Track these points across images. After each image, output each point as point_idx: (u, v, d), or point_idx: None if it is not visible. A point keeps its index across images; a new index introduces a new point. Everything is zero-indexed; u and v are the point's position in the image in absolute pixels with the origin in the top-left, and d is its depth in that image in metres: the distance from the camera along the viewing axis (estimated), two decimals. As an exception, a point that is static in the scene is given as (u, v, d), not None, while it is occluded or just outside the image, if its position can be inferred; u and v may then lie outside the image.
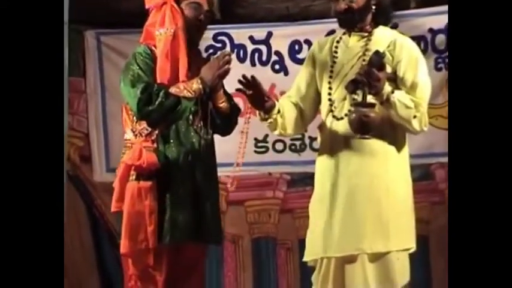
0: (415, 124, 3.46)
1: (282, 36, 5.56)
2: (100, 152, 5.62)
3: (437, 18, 5.31)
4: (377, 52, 3.38)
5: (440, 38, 5.31)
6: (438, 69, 5.30)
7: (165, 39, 3.47)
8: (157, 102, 3.36)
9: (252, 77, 3.52)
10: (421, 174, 5.19)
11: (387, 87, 3.39)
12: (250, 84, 3.52)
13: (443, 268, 4.89)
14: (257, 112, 3.63)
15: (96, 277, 5.60)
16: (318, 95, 3.69)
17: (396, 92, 3.42)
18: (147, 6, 3.59)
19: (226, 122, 3.68)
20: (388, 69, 3.48)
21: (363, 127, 3.38)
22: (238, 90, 3.52)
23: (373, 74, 3.33)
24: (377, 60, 3.35)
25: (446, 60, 5.25)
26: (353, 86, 3.39)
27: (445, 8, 5.22)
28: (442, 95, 5.24)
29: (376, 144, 3.48)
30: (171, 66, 3.47)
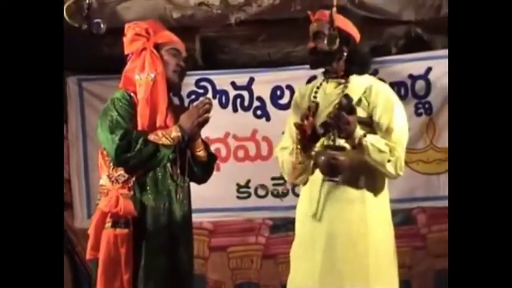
0: (390, 168, 3.48)
1: (264, 81, 5.58)
2: (81, 199, 5.61)
3: (417, 64, 5.39)
4: (346, 96, 3.44)
5: (420, 84, 5.38)
6: (418, 115, 5.36)
7: (145, 84, 3.49)
8: (136, 150, 3.37)
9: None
10: (402, 219, 5.20)
11: (359, 131, 3.43)
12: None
13: (426, 313, 5.00)
14: (298, 152, 3.58)
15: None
16: None
17: (369, 136, 3.45)
18: (126, 52, 3.61)
19: (203, 170, 3.69)
20: (363, 114, 3.52)
21: (331, 170, 3.41)
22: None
23: (342, 117, 3.37)
24: (346, 104, 3.40)
25: (426, 105, 5.33)
26: (323, 129, 3.45)
27: (425, 54, 5.35)
28: (422, 140, 5.32)
29: (352, 190, 3.52)
30: (150, 112, 3.49)
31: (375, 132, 3.52)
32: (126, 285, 3.40)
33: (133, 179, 3.49)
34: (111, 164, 3.51)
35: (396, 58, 5.48)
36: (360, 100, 3.56)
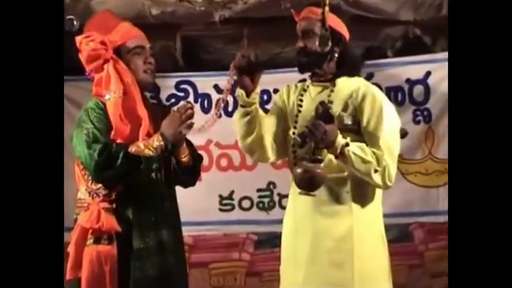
0: (377, 179, 3.41)
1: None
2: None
3: (416, 68, 5.36)
4: (322, 103, 3.37)
5: (419, 89, 5.35)
6: (416, 122, 5.33)
7: (114, 102, 3.45)
8: (117, 165, 3.33)
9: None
10: (398, 235, 5.22)
11: (340, 140, 3.35)
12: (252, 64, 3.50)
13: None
14: (238, 93, 3.57)
15: None
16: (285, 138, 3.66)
17: (352, 144, 3.37)
18: (87, 72, 3.56)
19: (189, 174, 3.65)
20: (350, 121, 3.46)
21: (305, 183, 3.36)
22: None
23: (318, 126, 3.30)
24: (323, 111, 3.34)
25: (425, 112, 5.32)
26: (301, 140, 3.37)
27: (424, 57, 5.35)
28: (421, 150, 5.30)
29: (338, 202, 3.47)
30: (129, 125, 3.45)
31: (364, 140, 3.45)
32: None
33: (115, 192, 3.44)
34: (89, 177, 3.47)
35: (393, 61, 5.48)
36: (346, 105, 3.50)
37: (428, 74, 5.31)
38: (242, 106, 3.56)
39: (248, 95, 3.53)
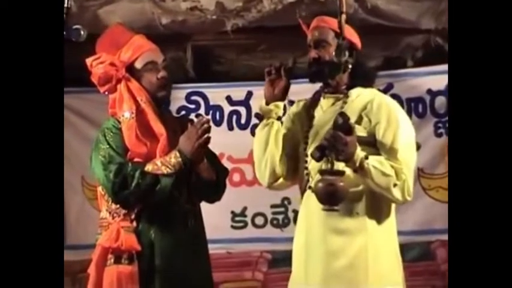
0: (396, 193, 3.42)
1: (263, 96, 5.56)
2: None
3: (437, 79, 5.36)
4: (342, 114, 3.36)
5: (440, 100, 5.36)
6: (438, 135, 5.32)
7: (127, 123, 3.52)
8: (133, 185, 3.38)
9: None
10: (419, 254, 5.20)
11: (360, 153, 3.36)
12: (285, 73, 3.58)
13: None
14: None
15: None
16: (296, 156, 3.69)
17: (371, 157, 3.39)
18: (102, 91, 3.62)
19: (213, 190, 3.68)
20: (365, 133, 3.47)
21: (329, 197, 3.36)
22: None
23: (338, 138, 3.31)
24: (342, 123, 3.34)
25: (447, 125, 5.23)
26: (319, 153, 3.37)
27: (446, 67, 5.34)
28: (443, 164, 5.24)
29: (353, 218, 3.48)
30: (147, 143, 3.51)
31: (379, 153, 3.47)
32: None
33: (135, 210, 3.50)
34: (109, 199, 3.53)
35: (413, 71, 5.50)
36: (360, 117, 3.51)
37: (450, 84, 5.35)
38: (262, 117, 3.65)
39: (268, 103, 3.61)
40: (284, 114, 3.71)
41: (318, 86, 3.80)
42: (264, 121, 3.63)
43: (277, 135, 3.64)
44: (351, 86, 3.59)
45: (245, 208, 5.51)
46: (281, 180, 3.71)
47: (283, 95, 3.64)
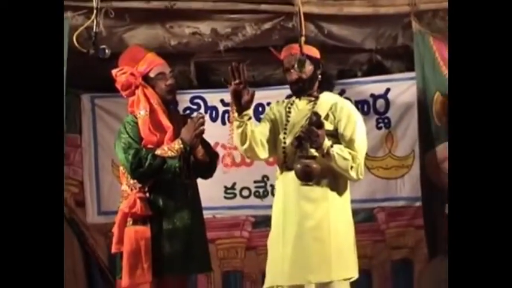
0: (353, 173, 3.50)
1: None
2: (92, 198, 5.51)
3: (378, 86, 5.34)
4: (315, 113, 3.45)
5: (381, 102, 5.31)
6: (379, 128, 5.30)
7: (143, 119, 3.58)
8: (146, 165, 3.45)
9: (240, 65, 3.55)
10: (365, 217, 5.18)
11: (327, 142, 3.43)
12: (238, 72, 3.50)
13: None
14: (232, 115, 3.60)
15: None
16: (275, 141, 3.69)
17: (335, 146, 3.46)
18: (124, 95, 3.68)
19: (207, 169, 3.74)
20: (330, 127, 3.53)
21: (305, 176, 3.43)
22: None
23: (313, 132, 3.39)
24: (315, 120, 3.41)
25: (386, 120, 5.28)
26: (297, 142, 3.48)
27: (385, 77, 5.34)
28: (382, 150, 5.28)
29: (319, 190, 3.51)
30: (157, 134, 3.57)
31: (339, 142, 3.53)
32: (147, 272, 3.46)
33: (148, 184, 3.56)
34: (128, 176, 3.59)
35: (360, 80, 5.43)
36: (327, 115, 3.58)
37: (388, 90, 5.28)
38: (236, 121, 3.59)
39: (240, 113, 3.55)
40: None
41: (289, 91, 3.82)
42: (238, 123, 3.57)
43: (252, 132, 3.61)
44: (319, 91, 3.66)
45: (234, 183, 5.43)
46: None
47: (248, 105, 3.57)
